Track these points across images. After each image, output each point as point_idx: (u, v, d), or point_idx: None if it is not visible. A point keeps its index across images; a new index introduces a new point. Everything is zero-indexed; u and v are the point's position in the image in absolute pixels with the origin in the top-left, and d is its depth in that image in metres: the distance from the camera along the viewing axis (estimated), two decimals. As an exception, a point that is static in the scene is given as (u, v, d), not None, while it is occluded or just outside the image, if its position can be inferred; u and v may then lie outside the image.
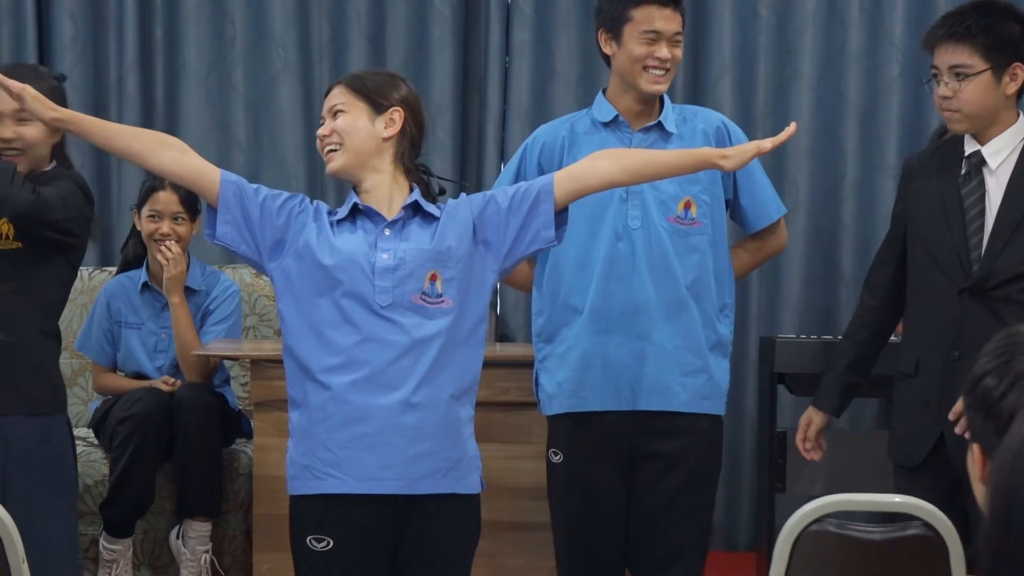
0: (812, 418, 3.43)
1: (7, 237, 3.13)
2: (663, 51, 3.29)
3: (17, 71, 3.12)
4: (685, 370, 3.32)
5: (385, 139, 2.82)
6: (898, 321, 3.42)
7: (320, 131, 2.85)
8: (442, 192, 2.95)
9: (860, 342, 3.38)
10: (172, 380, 4.17)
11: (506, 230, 2.84)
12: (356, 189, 2.86)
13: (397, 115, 2.82)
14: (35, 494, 3.20)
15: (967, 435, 1.63)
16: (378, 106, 2.82)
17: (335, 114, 2.83)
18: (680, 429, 3.33)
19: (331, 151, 2.82)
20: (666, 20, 3.30)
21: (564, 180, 2.84)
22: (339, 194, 4.54)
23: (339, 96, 2.84)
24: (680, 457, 3.34)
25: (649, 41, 3.31)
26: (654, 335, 3.30)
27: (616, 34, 3.33)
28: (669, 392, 3.31)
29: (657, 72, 3.30)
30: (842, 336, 3.51)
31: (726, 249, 3.40)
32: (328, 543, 2.81)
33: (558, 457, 3.42)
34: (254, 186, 2.85)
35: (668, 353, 3.30)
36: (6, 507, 3.08)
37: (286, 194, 2.85)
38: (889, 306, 3.34)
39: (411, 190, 2.85)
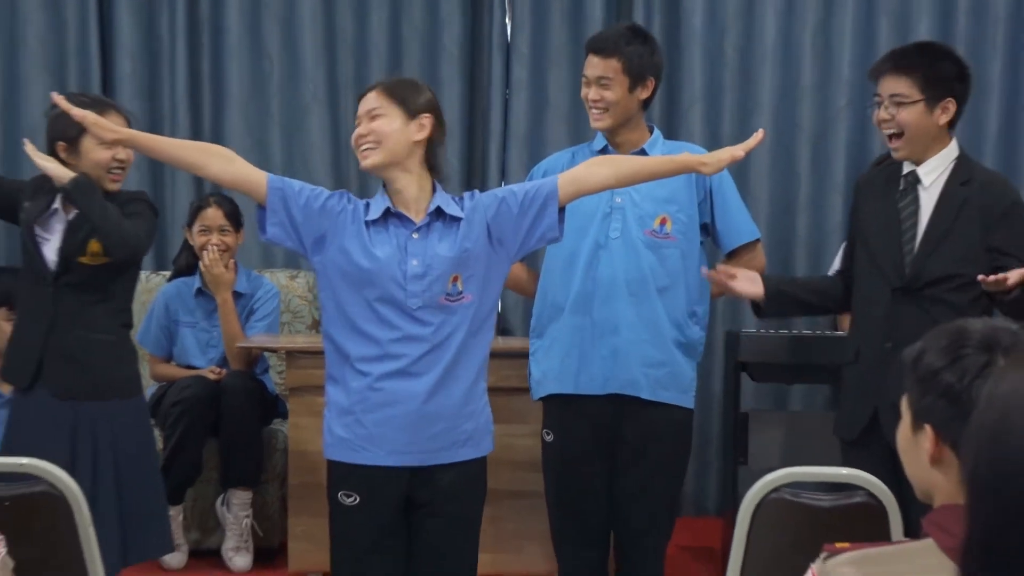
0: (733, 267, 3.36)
1: (98, 254, 3.16)
2: (590, 93, 3.31)
3: (100, 103, 3.16)
4: (647, 362, 3.32)
5: (416, 142, 2.82)
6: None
7: (358, 131, 2.78)
8: None
9: (824, 281, 3.42)
10: (218, 370, 4.19)
11: (517, 230, 2.83)
12: (387, 188, 2.84)
13: (427, 120, 2.79)
14: (139, 462, 3.27)
15: (915, 418, 1.65)
16: (411, 111, 2.79)
17: (373, 117, 2.78)
18: (647, 417, 3.34)
19: (367, 149, 2.77)
20: (591, 66, 3.32)
21: (566, 184, 2.84)
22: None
23: (376, 100, 2.78)
24: (648, 443, 3.36)
25: (585, 84, 3.34)
26: (623, 330, 3.32)
27: None
28: (633, 380, 3.32)
29: (593, 111, 3.33)
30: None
31: (700, 260, 3.40)
32: (355, 499, 2.84)
33: (550, 437, 3.44)
34: (298, 187, 2.81)
35: (634, 346, 3.32)
36: (121, 479, 3.17)
37: (326, 193, 2.82)
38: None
39: (434, 189, 2.85)
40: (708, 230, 3.45)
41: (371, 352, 2.82)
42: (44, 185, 3.24)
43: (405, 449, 2.82)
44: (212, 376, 4.15)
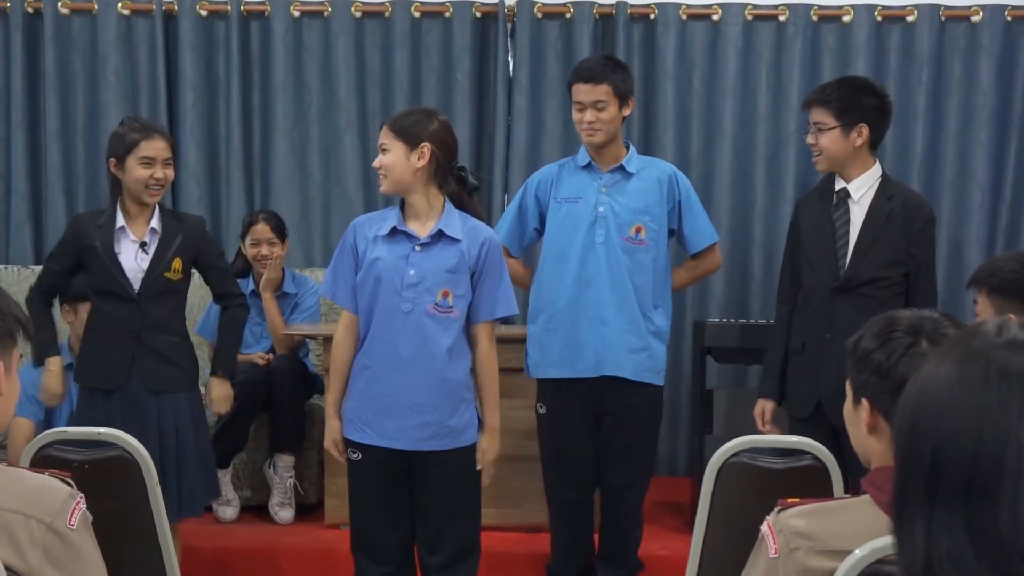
0: (764, 406, 3.37)
1: (178, 271, 3.20)
2: (587, 115, 3.30)
3: (147, 129, 3.19)
4: (630, 348, 3.34)
5: (418, 168, 2.82)
6: None
7: (374, 163, 2.89)
8: (476, 188, 2.97)
9: (784, 342, 3.34)
10: (266, 356, 4.17)
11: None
12: (402, 203, 2.87)
13: (426, 149, 2.81)
14: (199, 439, 3.32)
15: (855, 394, 1.64)
16: (412, 144, 2.81)
17: (383, 151, 2.83)
18: (629, 392, 3.36)
19: (381, 178, 2.86)
20: (585, 93, 3.30)
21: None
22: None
23: (385, 136, 2.84)
24: (629, 414, 3.38)
25: (579, 108, 3.33)
26: (609, 322, 3.32)
27: (572, 105, 3.35)
28: (620, 363, 3.34)
29: (588, 130, 3.31)
30: (770, 340, 3.42)
31: (665, 264, 3.42)
32: (359, 455, 2.89)
33: (543, 409, 3.44)
34: (349, 287, 2.89)
35: (619, 335, 3.32)
36: (181, 452, 3.22)
37: (348, 252, 2.89)
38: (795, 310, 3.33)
39: (443, 207, 2.85)
40: (675, 234, 3.46)
41: (373, 346, 2.83)
42: (109, 219, 3.25)
43: (393, 435, 2.85)
44: (260, 361, 4.13)
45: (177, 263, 3.21)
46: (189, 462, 3.22)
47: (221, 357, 3.43)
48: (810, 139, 3.23)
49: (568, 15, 4.79)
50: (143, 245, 3.21)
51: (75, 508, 1.55)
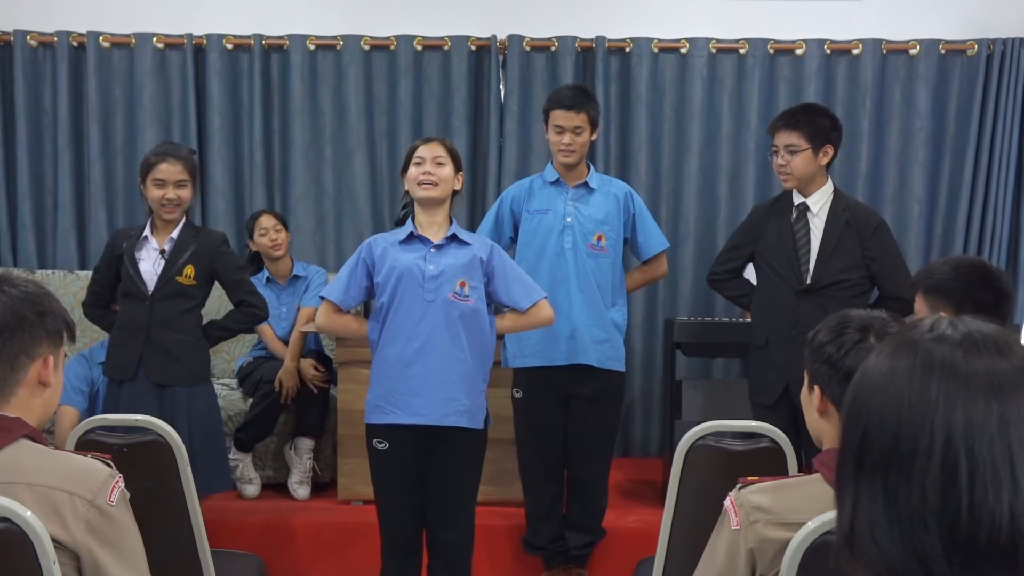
0: None
1: (190, 277, 3.18)
2: (566, 138, 3.33)
3: (178, 148, 3.17)
4: (595, 339, 3.39)
5: (455, 189, 2.88)
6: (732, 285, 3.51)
7: (427, 169, 2.84)
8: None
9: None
10: (322, 371, 4.04)
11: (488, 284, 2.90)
12: (415, 217, 2.87)
13: (462, 176, 2.89)
14: (212, 428, 3.28)
15: (809, 381, 1.65)
16: (458, 168, 2.88)
17: (439, 164, 2.83)
18: (595, 378, 3.40)
19: (430, 185, 2.83)
20: (566, 119, 3.32)
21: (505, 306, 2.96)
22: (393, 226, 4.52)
23: (442, 152, 2.86)
24: (595, 397, 3.42)
25: (557, 132, 3.34)
26: (576, 318, 3.36)
27: (546, 127, 3.36)
28: (587, 353, 3.38)
29: (564, 152, 3.34)
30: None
31: (621, 266, 3.48)
32: (385, 444, 2.85)
33: (519, 394, 3.47)
34: (357, 292, 2.88)
35: (586, 329, 3.36)
36: (193, 440, 3.15)
37: (363, 262, 2.88)
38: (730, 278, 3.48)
39: (451, 222, 2.88)
40: (628, 243, 3.50)
41: (400, 334, 2.82)
42: (139, 231, 3.27)
43: (421, 411, 2.83)
44: (318, 379, 4.00)
45: (189, 269, 3.19)
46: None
47: (213, 323, 3.33)
48: (780, 161, 3.20)
49: (553, 48, 4.79)
50: (163, 252, 3.21)
51: (114, 486, 1.55)
